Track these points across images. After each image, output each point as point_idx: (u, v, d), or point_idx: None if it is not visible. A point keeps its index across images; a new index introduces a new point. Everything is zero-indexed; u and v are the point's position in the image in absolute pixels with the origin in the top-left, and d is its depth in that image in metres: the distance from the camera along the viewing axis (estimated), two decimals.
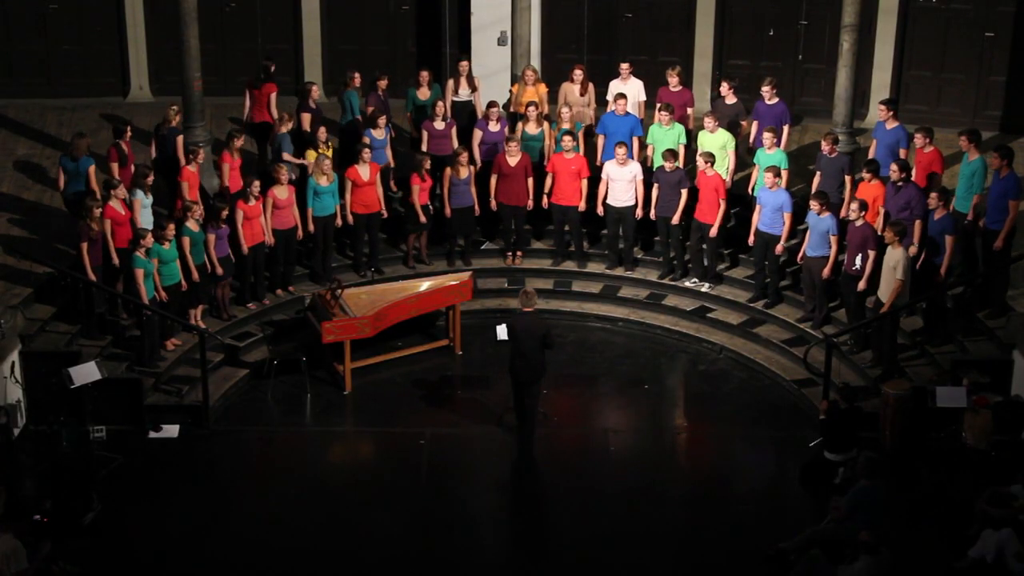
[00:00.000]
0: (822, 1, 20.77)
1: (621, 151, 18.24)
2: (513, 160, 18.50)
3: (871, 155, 17.92)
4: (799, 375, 17.09)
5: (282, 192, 17.81)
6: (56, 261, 17.15)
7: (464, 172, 18.50)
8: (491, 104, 19.12)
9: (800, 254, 17.43)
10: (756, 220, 17.67)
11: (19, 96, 21.53)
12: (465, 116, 19.54)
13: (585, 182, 18.52)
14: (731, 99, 19.01)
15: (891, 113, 17.94)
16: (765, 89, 18.69)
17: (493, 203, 18.73)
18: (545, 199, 18.70)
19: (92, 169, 17.66)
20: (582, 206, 18.62)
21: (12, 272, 17.23)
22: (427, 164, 18.49)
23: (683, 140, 18.69)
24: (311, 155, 18.40)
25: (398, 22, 21.91)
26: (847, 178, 17.69)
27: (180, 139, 18.38)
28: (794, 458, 15.77)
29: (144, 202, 17.12)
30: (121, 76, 21.85)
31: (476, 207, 18.76)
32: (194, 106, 18.78)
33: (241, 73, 21.44)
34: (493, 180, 18.67)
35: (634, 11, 21.58)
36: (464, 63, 19.73)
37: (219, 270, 17.24)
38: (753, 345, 17.90)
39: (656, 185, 18.26)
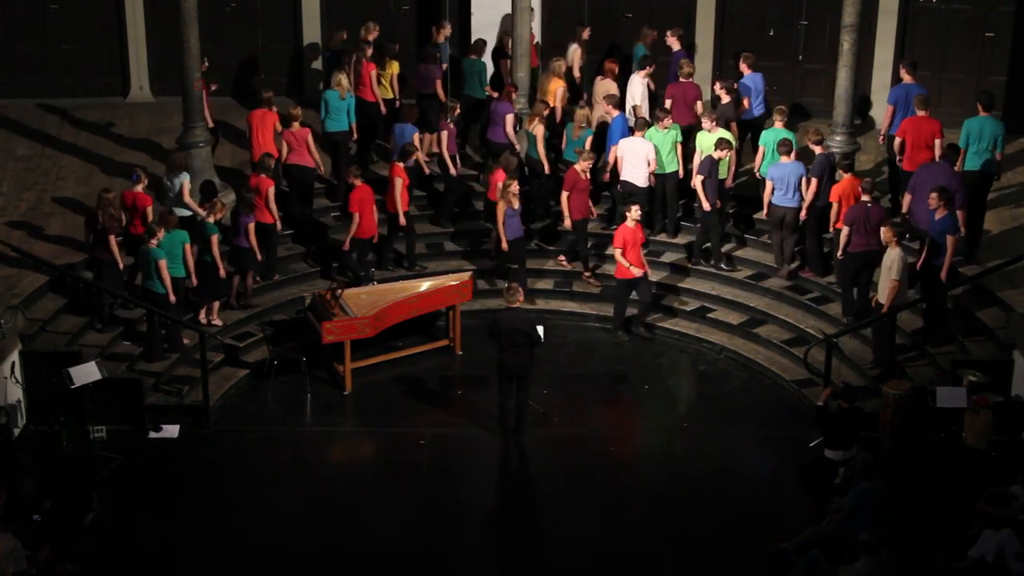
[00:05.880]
0: (822, 1, 20.77)
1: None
2: (586, 174, 18.39)
3: (887, 118, 18.31)
4: (799, 375, 17.09)
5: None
6: (56, 260, 17.17)
7: (517, 203, 18.03)
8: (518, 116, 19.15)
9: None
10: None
11: (19, 96, 21.52)
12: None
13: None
14: (727, 99, 19.02)
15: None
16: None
17: (568, 222, 18.39)
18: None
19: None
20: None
21: (12, 272, 17.22)
22: (514, 165, 18.39)
23: (679, 139, 18.66)
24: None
25: (398, 22, 21.88)
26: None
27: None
28: (794, 458, 15.79)
29: (189, 185, 17.54)
30: (121, 76, 21.82)
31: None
32: (194, 106, 18.75)
33: (241, 73, 21.45)
34: (565, 196, 18.34)
35: (634, 11, 21.57)
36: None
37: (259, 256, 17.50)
38: (753, 345, 17.89)
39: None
